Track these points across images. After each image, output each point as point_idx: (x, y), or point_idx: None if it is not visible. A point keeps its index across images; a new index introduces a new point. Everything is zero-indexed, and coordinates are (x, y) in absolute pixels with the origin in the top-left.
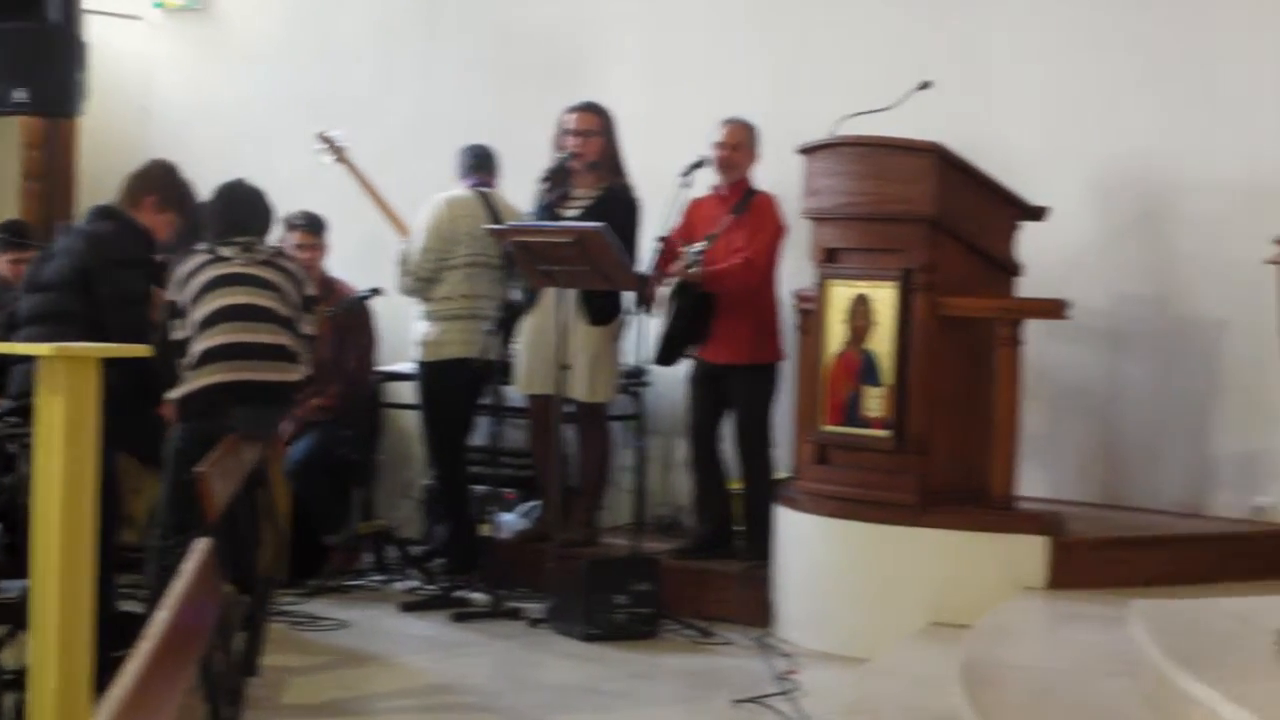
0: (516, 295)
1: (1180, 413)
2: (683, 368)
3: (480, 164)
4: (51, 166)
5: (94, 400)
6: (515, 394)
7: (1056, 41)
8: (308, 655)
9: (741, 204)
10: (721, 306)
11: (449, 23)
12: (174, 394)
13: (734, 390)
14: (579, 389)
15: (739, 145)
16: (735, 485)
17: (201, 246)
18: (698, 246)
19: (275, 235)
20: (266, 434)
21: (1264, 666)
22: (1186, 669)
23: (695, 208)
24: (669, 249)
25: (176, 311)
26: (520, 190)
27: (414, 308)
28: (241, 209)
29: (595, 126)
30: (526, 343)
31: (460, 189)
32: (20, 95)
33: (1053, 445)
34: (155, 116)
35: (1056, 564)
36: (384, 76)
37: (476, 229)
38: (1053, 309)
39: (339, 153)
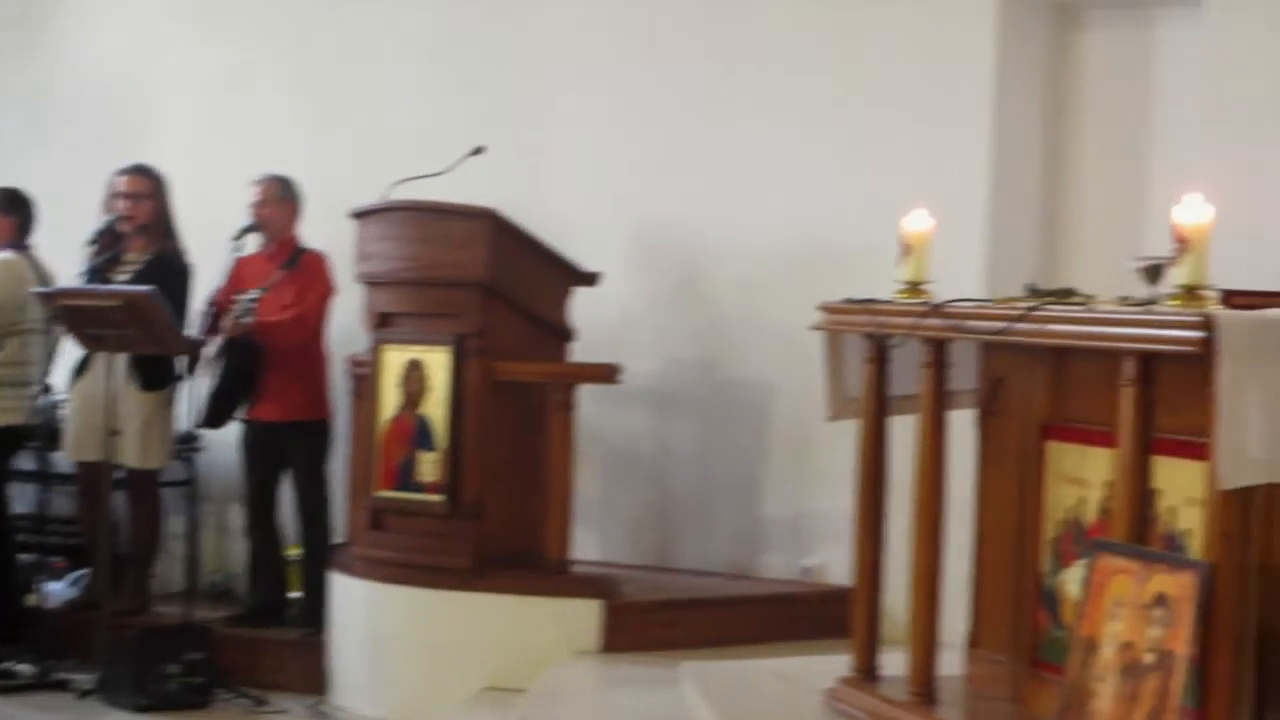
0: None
1: (730, 475)
2: (235, 431)
3: (22, 221)
4: None
5: None
6: (64, 460)
7: (607, 109)
8: None
9: (291, 261)
10: (270, 364)
11: None
12: None
13: (288, 449)
14: (130, 455)
15: (268, 202)
16: (292, 551)
17: None
18: (251, 294)
19: None
20: None
21: None
22: None
23: (242, 266)
24: (218, 310)
25: None
26: (71, 253)
27: None
28: None
29: (146, 189)
30: (75, 408)
31: (6, 252)
32: None
33: (606, 508)
34: None
35: (610, 627)
36: None
37: (30, 292)
38: (604, 373)
39: None
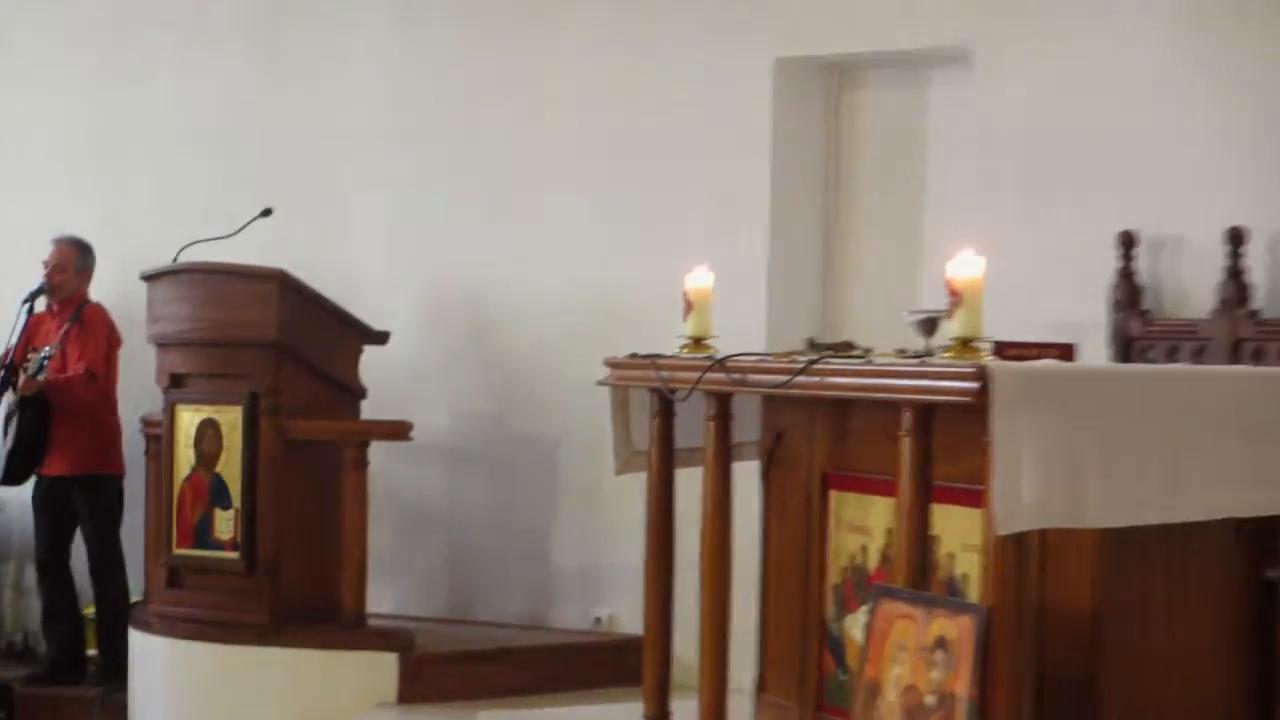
0: None
1: (522, 528)
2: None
3: None
4: None
5: None
6: None
7: (396, 170)
8: None
9: (74, 316)
10: (61, 418)
11: None
12: None
13: (78, 504)
14: None
15: (64, 266)
16: (90, 609)
17: None
18: (44, 351)
19: None
20: None
21: None
22: None
23: (34, 325)
24: (12, 370)
25: None
26: None
27: None
28: None
29: None
30: None
31: None
32: None
33: (400, 562)
34: None
35: (407, 679)
36: None
37: None
38: (396, 430)
39: None
